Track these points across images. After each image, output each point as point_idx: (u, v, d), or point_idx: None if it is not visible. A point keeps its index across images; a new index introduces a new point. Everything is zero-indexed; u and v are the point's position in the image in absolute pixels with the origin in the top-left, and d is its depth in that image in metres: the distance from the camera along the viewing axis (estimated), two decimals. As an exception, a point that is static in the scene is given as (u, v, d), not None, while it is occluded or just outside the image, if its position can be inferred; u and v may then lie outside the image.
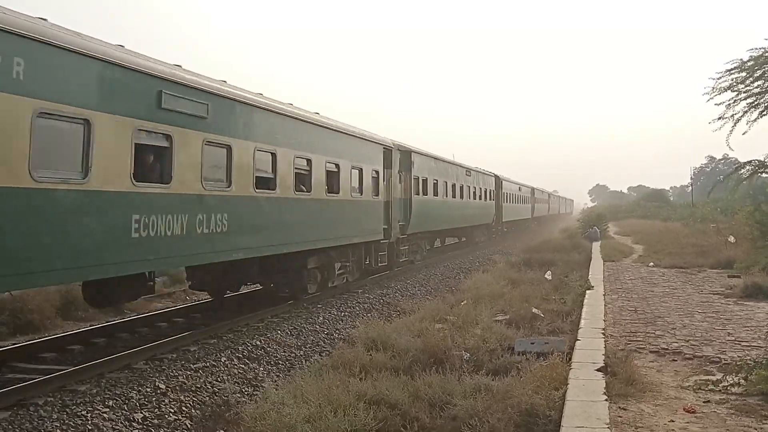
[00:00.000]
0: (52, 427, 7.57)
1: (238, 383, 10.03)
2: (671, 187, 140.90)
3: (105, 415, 8.06)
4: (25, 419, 7.73)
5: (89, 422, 7.81)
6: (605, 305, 13.63)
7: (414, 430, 7.51)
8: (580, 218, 52.85)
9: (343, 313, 15.47)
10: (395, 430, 7.50)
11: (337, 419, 7.12)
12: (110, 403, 8.40)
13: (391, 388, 8.31)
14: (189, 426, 8.43)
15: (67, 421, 7.76)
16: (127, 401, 8.54)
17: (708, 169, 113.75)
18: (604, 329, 10.95)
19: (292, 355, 11.89)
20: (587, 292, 15.36)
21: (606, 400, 6.96)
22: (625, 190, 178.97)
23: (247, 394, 9.68)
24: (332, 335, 13.49)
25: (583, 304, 13.54)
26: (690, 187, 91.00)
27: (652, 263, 23.14)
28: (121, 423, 8.00)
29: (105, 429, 7.78)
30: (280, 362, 11.42)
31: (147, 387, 9.08)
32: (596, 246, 30.91)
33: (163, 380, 9.42)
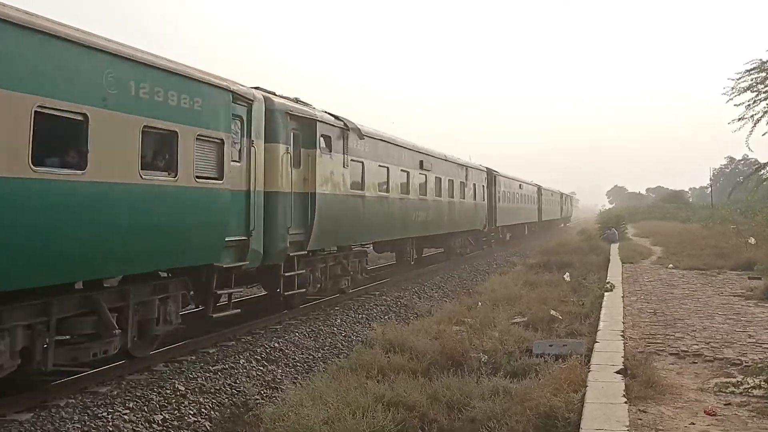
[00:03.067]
0: (74, 429, 7.67)
1: (257, 385, 10.08)
2: (690, 189, 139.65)
3: (125, 416, 8.14)
4: (47, 420, 7.83)
5: (110, 424, 7.89)
6: (624, 307, 13.54)
7: (432, 432, 7.52)
8: (598, 220, 52.54)
9: (360, 316, 15.49)
10: (414, 432, 7.51)
11: (356, 421, 7.14)
12: (130, 404, 8.49)
13: (409, 390, 8.31)
14: (208, 428, 8.49)
15: (88, 423, 7.85)
16: (147, 403, 8.62)
17: (728, 170, 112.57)
18: (623, 331, 10.88)
19: (310, 357, 11.92)
20: (606, 294, 15.28)
21: (626, 402, 6.93)
22: (643, 192, 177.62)
23: (266, 396, 9.73)
24: (350, 337, 13.51)
25: (601, 306, 13.48)
26: (709, 189, 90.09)
27: (671, 265, 22.94)
28: (142, 425, 8.07)
29: (125, 430, 7.85)
30: (299, 364, 11.46)
31: (167, 389, 9.16)
32: (615, 248, 30.71)
33: (182, 382, 9.49)
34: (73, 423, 7.82)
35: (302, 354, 11.96)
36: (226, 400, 9.31)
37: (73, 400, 8.56)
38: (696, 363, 9.24)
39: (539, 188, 55.46)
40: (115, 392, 8.97)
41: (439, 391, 8.39)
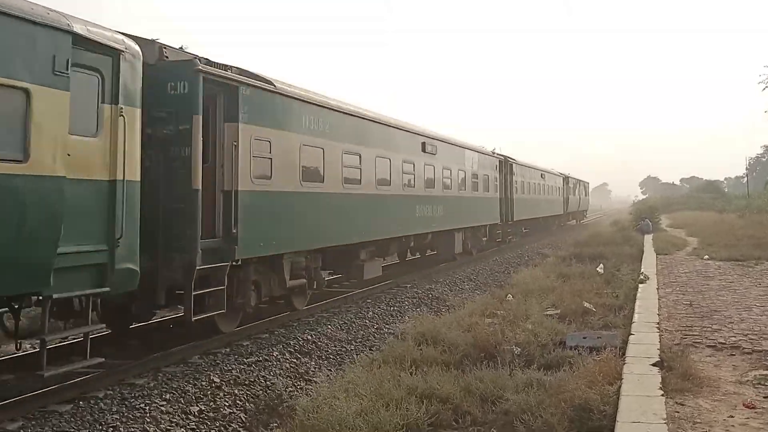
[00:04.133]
0: (112, 420, 7.80)
1: (291, 377, 10.16)
2: (725, 178, 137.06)
3: (162, 408, 8.27)
4: (87, 412, 7.99)
5: (147, 415, 8.02)
6: (659, 299, 13.37)
7: (466, 425, 7.51)
8: (632, 211, 51.89)
9: (392, 308, 15.53)
10: (447, 424, 7.51)
11: (389, 413, 7.15)
12: (167, 396, 8.63)
13: (442, 382, 8.30)
14: (243, 419, 8.58)
15: (126, 414, 7.99)
16: (183, 395, 8.75)
17: (764, 159, 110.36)
18: (658, 323, 10.75)
19: (343, 349, 11.99)
20: (640, 285, 15.09)
21: (662, 395, 6.84)
22: (677, 182, 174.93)
23: (300, 388, 9.80)
24: (382, 330, 13.56)
25: (636, 298, 13.32)
26: (745, 178, 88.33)
27: (706, 256, 22.56)
28: (178, 416, 8.19)
29: (162, 422, 7.98)
30: (331, 356, 11.53)
31: (202, 381, 9.28)
32: (648, 239, 30.32)
33: (217, 374, 9.61)
34: (112, 414, 7.97)
35: (335, 346, 12.03)
36: (261, 392, 9.40)
37: (111, 392, 8.73)
38: (734, 355, 9.09)
39: (567, 178, 52.96)
40: (152, 384, 9.12)
41: (472, 384, 8.36)
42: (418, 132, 20.59)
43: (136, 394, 8.64)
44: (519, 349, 10.20)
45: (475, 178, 26.20)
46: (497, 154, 31.18)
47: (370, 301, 16.04)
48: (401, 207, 18.52)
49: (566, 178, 53.12)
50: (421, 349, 10.11)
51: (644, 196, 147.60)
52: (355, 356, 11.49)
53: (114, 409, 8.13)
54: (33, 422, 7.58)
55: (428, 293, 17.84)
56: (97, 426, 7.64)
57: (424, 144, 20.54)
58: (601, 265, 20.22)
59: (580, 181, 63.79)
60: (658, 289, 14.83)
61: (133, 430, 7.66)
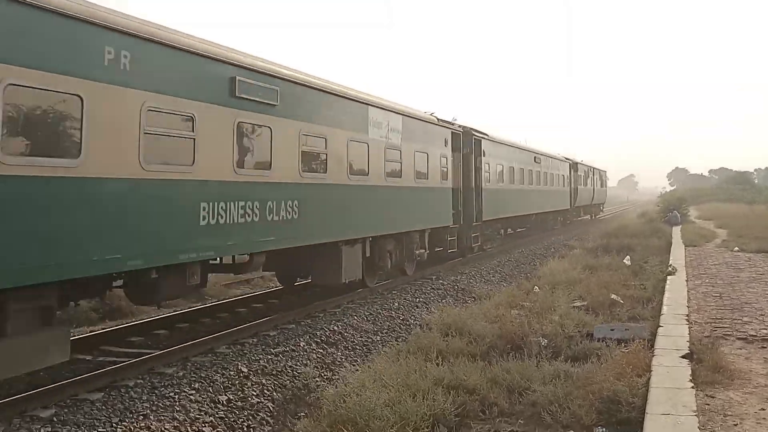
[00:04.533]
0: (143, 408, 7.90)
1: (317, 367, 10.22)
2: (756, 170, 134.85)
3: (191, 396, 8.37)
4: (117, 400, 8.10)
5: (177, 404, 8.12)
6: (688, 291, 13.23)
7: (493, 416, 7.50)
8: (660, 202, 51.22)
9: (417, 299, 15.54)
10: (474, 415, 7.51)
11: (416, 404, 7.16)
12: (196, 385, 8.72)
13: (468, 373, 8.30)
14: (271, 408, 8.66)
15: (156, 402, 8.09)
16: (211, 384, 8.84)
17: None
18: (687, 315, 10.64)
19: (369, 340, 12.03)
20: (668, 277, 14.94)
21: (692, 387, 6.79)
22: (706, 174, 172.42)
23: (326, 378, 9.86)
24: (408, 321, 13.58)
25: (664, 290, 13.19)
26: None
27: (736, 248, 22.24)
28: (207, 405, 8.28)
29: (192, 410, 8.07)
30: (357, 347, 11.58)
31: (230, 370, 9.36)
32: (677, 230, 29.98)
33: (245, 364, 9.69)
34: (142, 402, 8.07)
35: (361, 337, 12.08)
36: (288, 381, 9.47)
37: (141, 381, 8.83)
38: (765, 348, 8.97)
39: (575, 164, 43.53)
40: (181, 373, 9.22)
41: (498, 375, 8.34)
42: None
43: (166, 383, 8.74)
44: (546, 341, 10.17)
45: (398, 158, 16.36)
46: (453, 124, 21.10)
47: (395, 292, 16.06)
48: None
49: (575, 165, 43.57)
50: (447, 340, 10.12)
51: (672, 188, 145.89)
52: (381, 347, 11.53)
53: (144, 397, 8.24)
54: (65, 410, 7.70)
55: (454, 285, 17.81)
56: (128, 414, 7.74)
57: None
58: (629, 257, 20.05)
59: (594, 168, 53.42)
60: (686, 281, 14.67)
61: (163, 418, 7.76)
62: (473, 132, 22.64)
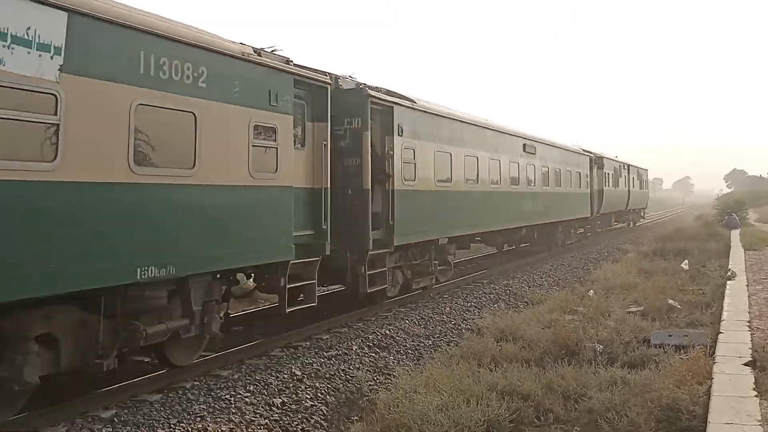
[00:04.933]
0: (200, 410, 8.03)
1: (370, 371, 10.24)
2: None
3: (247, 399, 8.47)
4: (175, 401, 8.25)
5: (233, 406, 8.23)
6: (749, 296, 12.86)
7: (548, 422, 7.42)
8: (717, 205, 49.86)
9: (469, 304, 15.45)
10: (529, 421, 7.44)
11: (470, 409, 7.14)
12: (251, 388, 8.82)
13: (522, 379, 8.24)
14: (325, 412, 8.70)
15: (212, 404, 8.21)
16: (266, 386, 8.94)
17: None
18: (749, 321, 10.35)
19: (421, 344, 12.00)
20: (728, 282, 14.55)
21: (756, 396, 6.61)
22: (765, 175, 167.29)
23: (379, 382, 9.87)
24: (459, 325, 13.50)
25: (724, 296, 12.86)
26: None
27: (800, 252, 21.58)
28: (262, 407, 8.37)
29: (247, 412, 8.17)
30: (409, 351, 11.56)
31: (284, 373, 9.45)
32: (735, 234, 29.17)
33: (298, 367, 9.77)
34: (199, 404, 8.21)
35: (412, 341, 12.06)
36: (341, 385, 9.52)
37: (198, 383, 8.98)
38: (832, 356, 8.66)
39: (596, 158, 32.24)
40: (236, 376, 9.35)
41: (553, 381, 8.26)
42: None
43: (221, 385, 8.87)
44: (601, 347, 10.02)
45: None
46: (353, 81, 12.87)
47: (446, 296, 16.00)
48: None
49: (598, 160, 32.79)
50: (500, 345, 10.06)
51: (729, 190, 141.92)
52: (433, 351, 11.50)
53: (201, 399, 8.38)
54: (126, 411, 7.88)
55: (505, 289, 17.66)
56: (186, 415, 7.88)
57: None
58: (686, 261, 19.61)
59: (628, 165, 41.38)
60: (747, 285, 14.26)
61: (219, 419, 7.88)
62: (396, 100, 13.63)
